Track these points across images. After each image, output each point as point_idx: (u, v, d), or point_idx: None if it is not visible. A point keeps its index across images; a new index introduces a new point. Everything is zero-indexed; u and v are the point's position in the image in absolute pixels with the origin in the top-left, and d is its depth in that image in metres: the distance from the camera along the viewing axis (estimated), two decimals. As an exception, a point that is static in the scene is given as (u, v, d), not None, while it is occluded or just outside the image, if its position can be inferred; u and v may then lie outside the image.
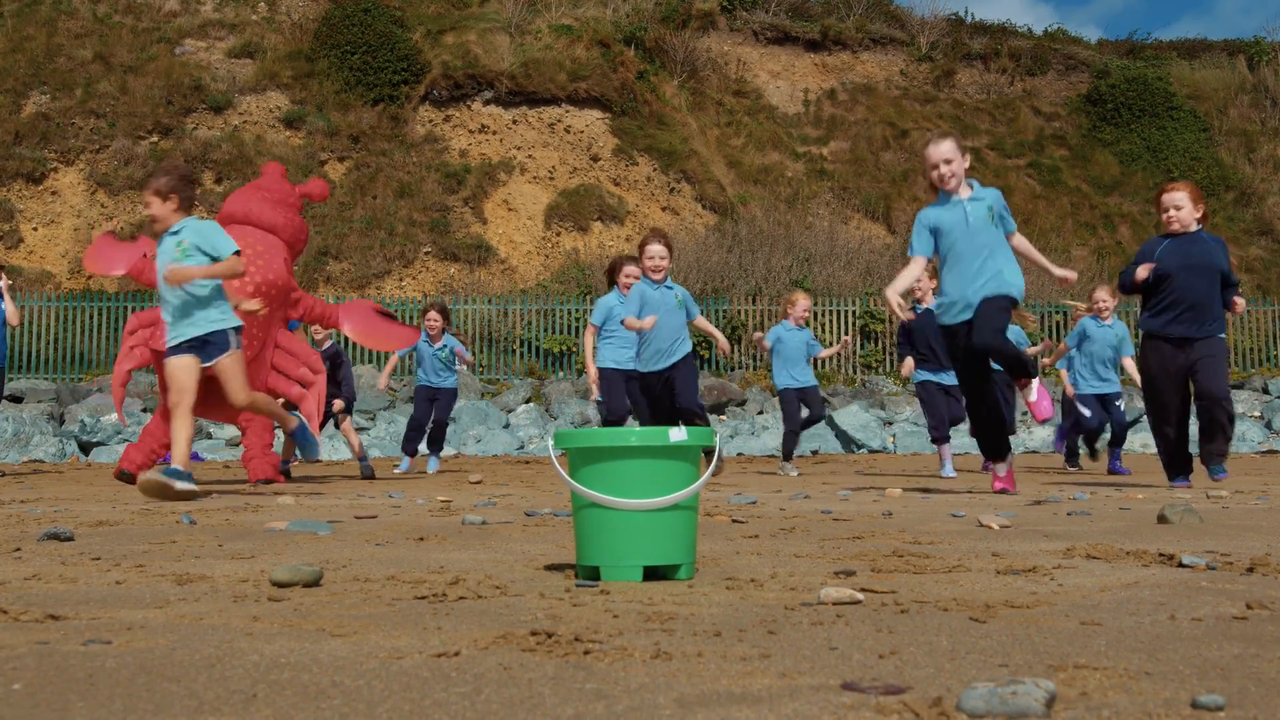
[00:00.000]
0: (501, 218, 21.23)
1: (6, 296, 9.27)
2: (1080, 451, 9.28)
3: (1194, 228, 6.24)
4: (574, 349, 17.87)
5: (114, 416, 13.31)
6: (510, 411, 15.38)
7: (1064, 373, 8.94)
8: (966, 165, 5.44)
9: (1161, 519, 3.60)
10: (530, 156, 22.02)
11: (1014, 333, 8.78)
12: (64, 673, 1.36)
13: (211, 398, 7.36)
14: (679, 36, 24.37)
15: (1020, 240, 5.58)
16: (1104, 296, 8.65)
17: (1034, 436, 14.76)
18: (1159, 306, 6.22)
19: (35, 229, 19.56)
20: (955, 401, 7.95)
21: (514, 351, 18.07)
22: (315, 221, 19.58)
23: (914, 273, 5.61)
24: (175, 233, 5.56)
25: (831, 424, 14.54)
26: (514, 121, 22.36)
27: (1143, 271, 6.19)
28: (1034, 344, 10.03)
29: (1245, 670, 1.39)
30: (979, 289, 5.32)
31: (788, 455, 8.74)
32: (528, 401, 15.81)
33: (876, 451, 14.30)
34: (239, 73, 21.87)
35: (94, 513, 4.34)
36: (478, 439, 13.96)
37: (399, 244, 19.88)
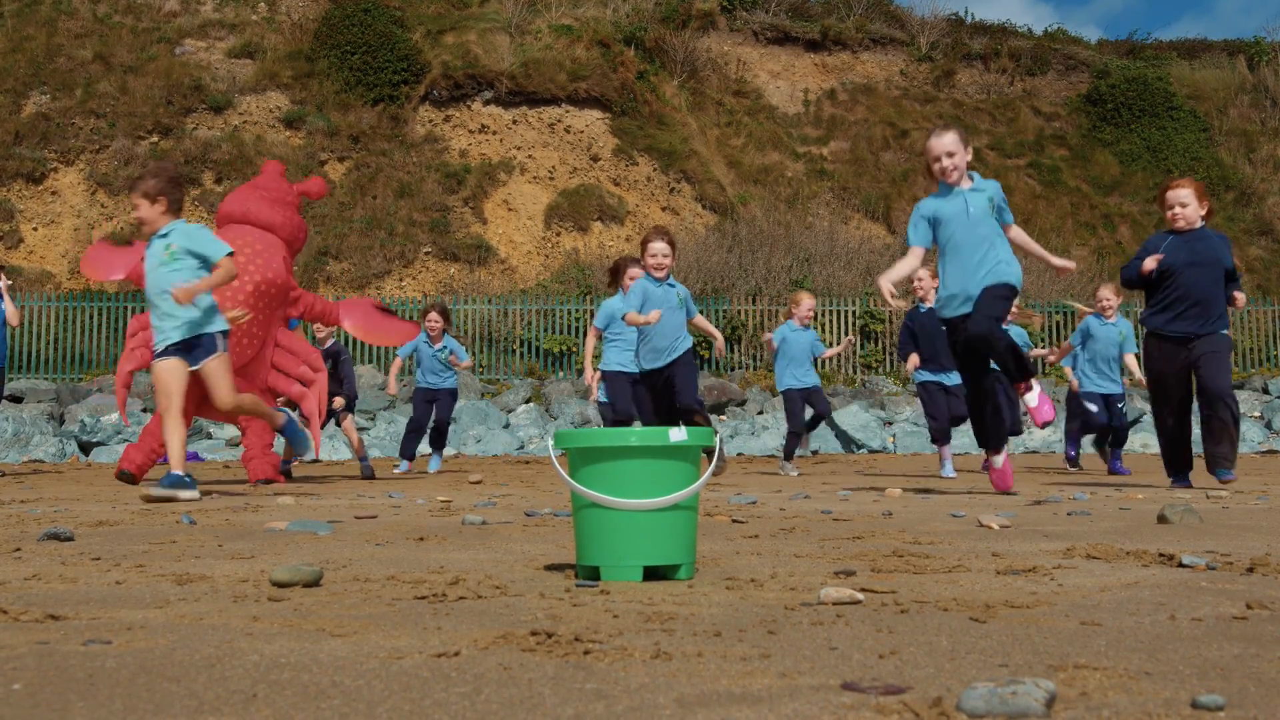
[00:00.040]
0: (501, 218, 21.24)
1: (6, 296, 9.27)
2: (1086, 452, 9.25)
3: (1199, 225, 6.22)
4: (574, 349, 17.87)
5: (114, 416, 13.31)
6: (510, 411, 15.38)
7: (1069, 370, 8.93)
8: (969, 158, 5.38)
9: (1161, 519, 3.60)
10: (530, 156, 22.02)
11: (1017, 334, 8.77)
12: (64, 673, 1.36)
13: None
14: (679, 36, 24.38)
15: (1018, 232, 5.53)
16: (1107, 295, 8.63)
17: (1034, 437, 14.76)
18: (1163, 303, 6.19)
19: (35, 229, 19.56)
20: (957, 400, 7.94)
21: (514, 351, 18.07)
22: (315, 221, 19.59)
23: (911, 264, 5.55)
24: (164, 235, 5.53)
25: (831, 424, 14.53)
26: (514, 121, 22.36)
27: (1150, 263, 6.15)
28: (1035, 345, 10.03)
29: (1245, 670, 1.39)
30: (980, 281, 5.26)
31: (789, 455, 8.75)
32: (528, 401, 15.81)
33: (876, 451, 14.29)
34: (239, 73, 21.87)
35: (94, 513, 4.34)
36: (478, 439, 13.96)
37: (399, 244, 19.88)
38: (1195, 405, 6.28)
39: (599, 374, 11.13)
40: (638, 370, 7.32)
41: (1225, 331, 6.17)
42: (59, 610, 1.86)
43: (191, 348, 5.48)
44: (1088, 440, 9.90)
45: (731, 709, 1.20)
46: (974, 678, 1.34)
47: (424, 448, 10.15)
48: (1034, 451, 14.55)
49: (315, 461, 11.76)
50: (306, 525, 3.47)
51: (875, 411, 15.56)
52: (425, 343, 9.39)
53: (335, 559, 2.68)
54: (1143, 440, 13.93)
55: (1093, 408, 8.52)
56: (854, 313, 18.24)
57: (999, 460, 5.52)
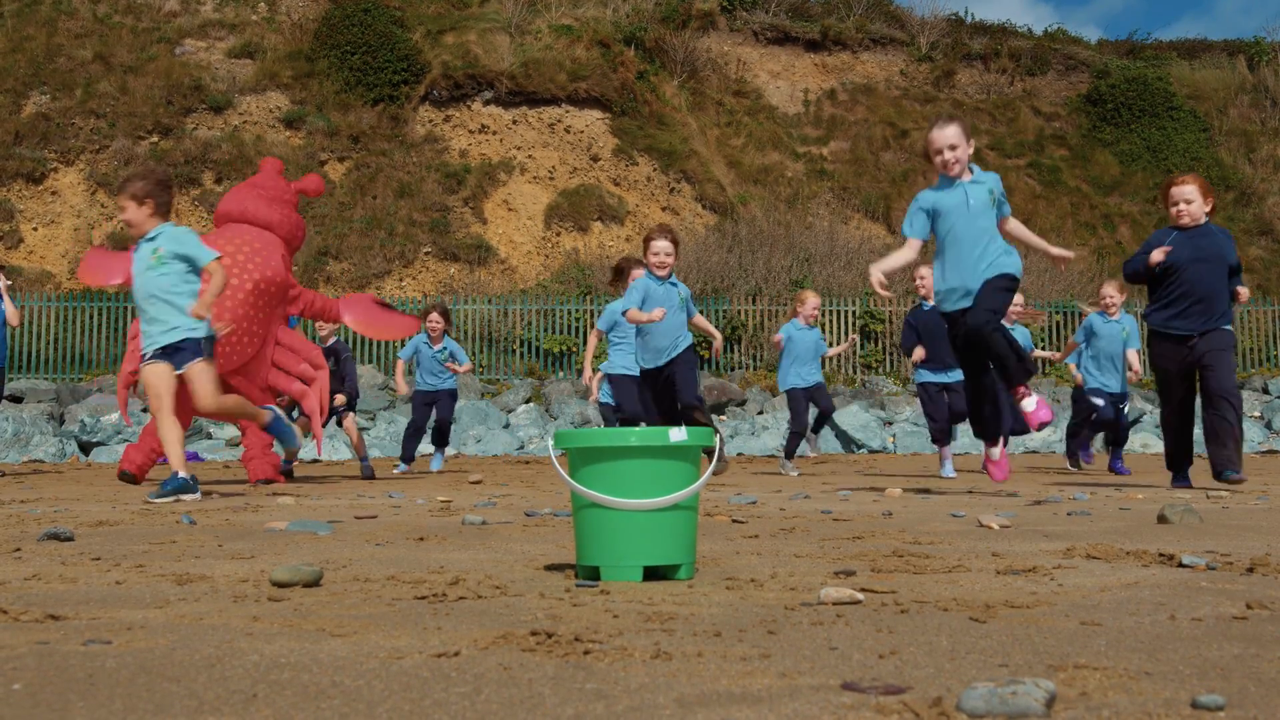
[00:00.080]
0: (501, 218, 21.24)
1: (6, 297, 9.28)
2: (1094, 451, 9.20)
3: (1203, 221, 6.17)
4: (574, 349, 17.87)
5: (114, 416, 13.31)
6: (510, 411, 15.38)
7: (1073, 366, 8.92)
8: (971, 151, 5.29)
9: (1161, 519, 3.60)
10: (530, 156, 22.02)
11: (1021, 334, 8.74)
12: (64, 673, 1.36)
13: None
14: (679, 36, 24.38)
15: (1015, 224, 5.46)
16: (1111, 292, 8.60)
17: (1034, 437, 14.76)
18: (1168, 299, 6.14)
19: (35, 229, 19.56)
20: (958, 397, 7.93)
21: (514, 351, 18.07)
22: (315, 221, 19.59)
23: (905, 256, 5.44)
24: (151, 239, 5.50)
25: (831, 424, 14.53)
26: (514, 121, 22.36)
27: (1159, 254, 6.06)
28: (1035, 345, 10.02)
29: (1245, 670, 1.39)
30: (980, 275, 5.18)
31: (789, 454, 8.76)
32: (528, 401, 15.81)
33: (876, 451, 14.29)
34: (239, 73, 21.87)
35: (94, 513, 4.34)
36: (478, 439, 13.97)
37: (399, 244, 19.89)
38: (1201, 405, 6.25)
39: (599, 374, 11.14)
40: (625, 370, 7.32)
41: (1229, 327, 6.12)
42: (59, 610, 1.86)
43: (176, 351, 5.45)
44: (1097, 440, 9.89)
45: (731, 709, 1.20)
46: (974, 678, 1.34)
47: (426, 447, 10.13)
48: (1034, 451, 14.54)
49: (315, 461, 11.76)
50: (306, 525, 3.47)
51: (875, 411, 15.57)
52: (425, 343, 9.39)
53: (335, 559, 2.68)
54: (1143, 440, 13.93)
55: (1099, 402, 8.51)
56: (854, 313, 18.24)
57: (996, 452, 5.50)
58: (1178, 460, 6.33)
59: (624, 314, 6.84)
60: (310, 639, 1.60)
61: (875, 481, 7.19)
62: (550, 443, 2.43)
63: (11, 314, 9.27)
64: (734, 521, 3.78)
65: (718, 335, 7.61)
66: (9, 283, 9.98)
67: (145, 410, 13.59)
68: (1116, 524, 3.60)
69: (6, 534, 3.34)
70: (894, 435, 14.82)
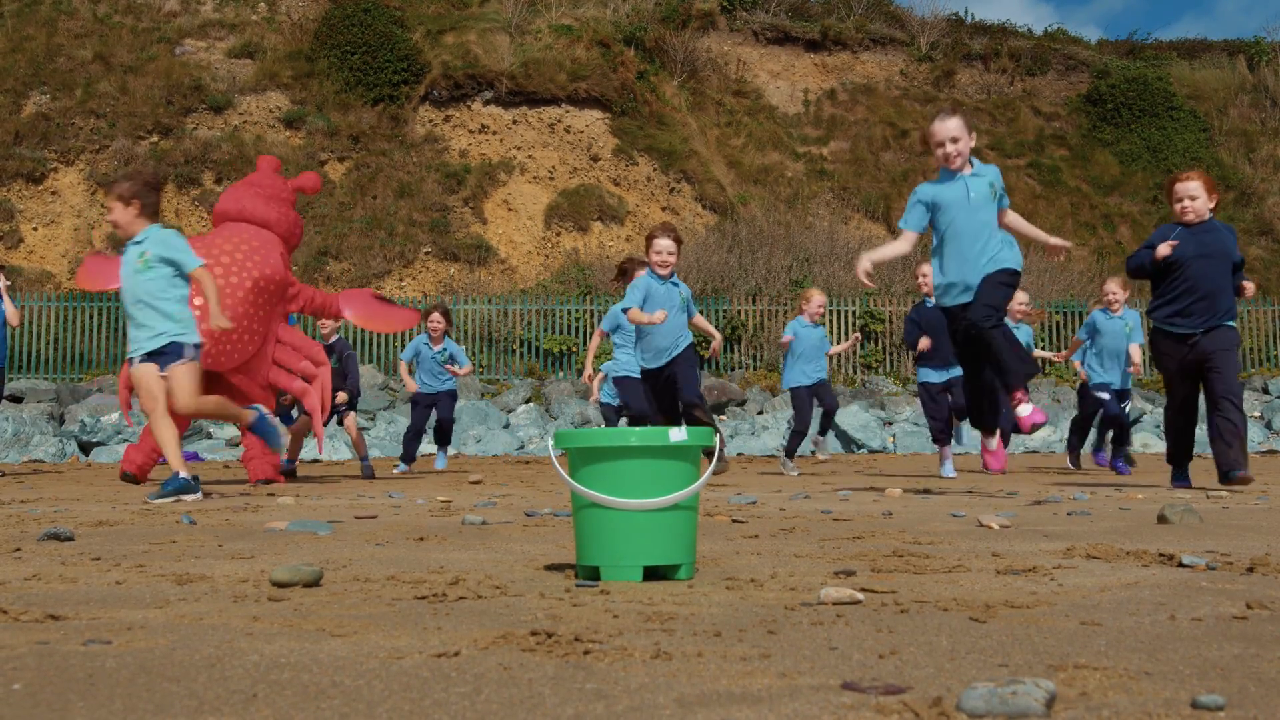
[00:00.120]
0: (501, 218, 21.24)
1: (6, 297, 9.28)
2: (1105, 451, 9.12)
3: (1208, 217, 6.11)
4: (574, 349, 17.88)
5: (114, 416, 13.31)
6: (510, 411, 15.39)
7: (1078, 364, 8.90)
8: (972, 143, 5.21)
9: (1161, 519, 3.60)
10: (530, 156, 22.03)
11: (1024, 334, 8.71)
12: (64, 673, 1.36)
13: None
14: (679, 36, 24.38)
15: (1013, 216, 5.39)
16: (1114, 289, 8.56)
17: (1034, 437, 14.76)
18: (1171, 295, 6.07)
19: (35, 229, 19.57)
20: (960, 392, 7.92)
21: (514, 351, 18.07)
22: (315, 221, 19.59)
23: (898, 248, 5.39)
24: (138, 243, 5.47)
25: (832, 424, 14.53)
26: (514, 121, 22.36)
27: (1165, 249, 5.99)
28: (1036, 345, 9.99)
29: (1245, 670, 1.39)
30: (981, 269, 5.11)
31: (790, 453, 8.77)
32: (528, 401, 15.81)
33: (876, 451, 14.29)
34: (239, 73, 21.88)
35: (94, 513, 4.34)
36: (478, 439, 13.97)
37: (399, 244, 19.89)
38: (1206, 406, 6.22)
39: (600, 375, 11.13)
40: (630, 371, 7.32)
41: (1233, 324, 6.06)
42: (59, 610, 1.86)
43: (161, 353, 5.43)
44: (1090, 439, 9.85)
45: (731, 709, 1.20)
46: (974, 678, 1.34)
47: (429, 447, 10.12)
48: (1034, 451, 14.54)
49: (315, 461, 11.76)
50: (306, 525, 3.47)
51: (875, 411, 15.57)
52: (425, 344, 9.38)
53: (335, 559, 2.68)
54: (1143, 440, 13.93)
55: (1105, 396, 8.48)
56: (854, 313, 18.24)
57: (993, 443, 5.48)
58: (1178, 458, 6.32)
59: (625, 313, 6.82)
60: (310, 639, 1.60)
61: (875, 481, 7.19)
62: (550, 443, 2.43)
63: (11, 314, 9.27)
64: (734, 521, 3.78)
65: (717, 336, 7.59)
66: (9, 283, 9.99)
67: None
68: (1116, 524, 3.60)
69: (6, 534, 3.34)
70: (894, 435, 14.82)
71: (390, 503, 5.02)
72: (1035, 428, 5.13)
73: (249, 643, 1.56)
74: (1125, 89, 25.22)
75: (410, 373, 9.67)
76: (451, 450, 13.16)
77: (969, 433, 9.62)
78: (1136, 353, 8.45)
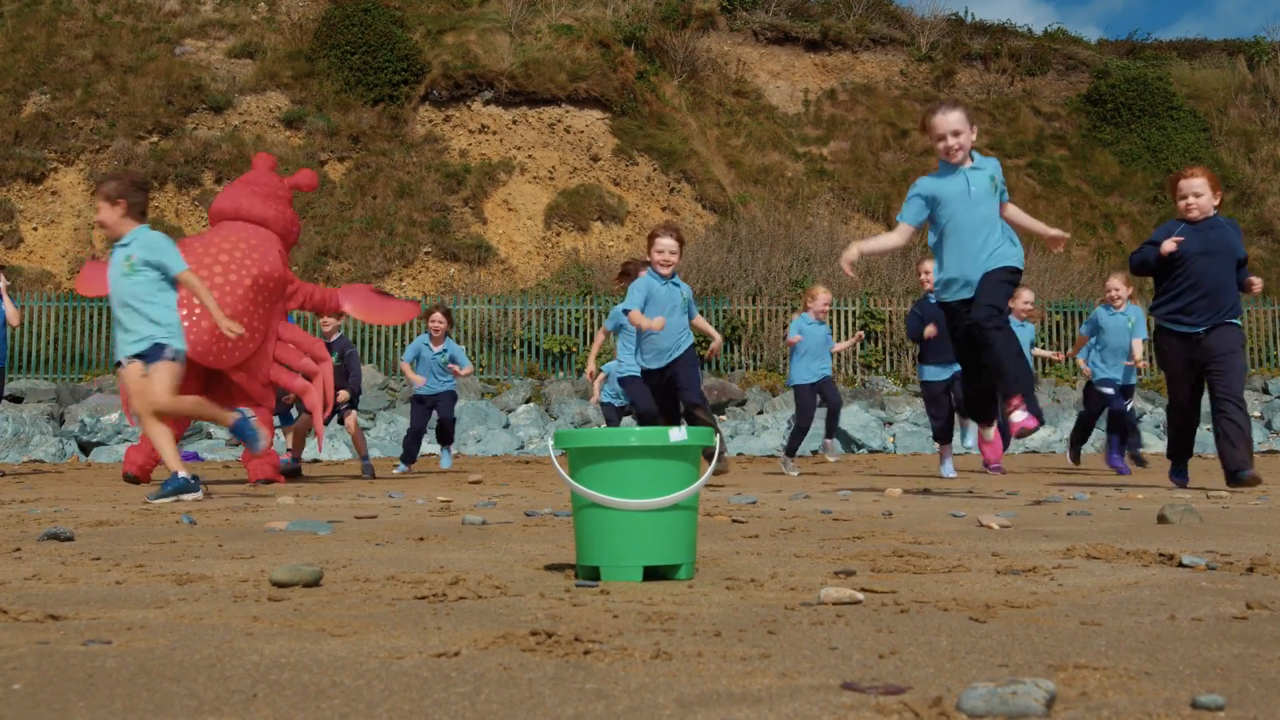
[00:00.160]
0: (501, 218, 21.24)
1: (6, 297, 9.28)
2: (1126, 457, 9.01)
3: (1212, 214, 6.05)
4: (574, 349, 17.87)
5: (114, 416, 13.31)
6: (510, 411, 15.39)
7: (1082, 361, 8.88)
8: (974, 137, 5.11)
9: (1161, 519, 3.60)
10: (530, 156, 22.03)
11: (1027, 333, 8.68)
12: (64, 673, 1.36)
13: (210, 396, 7.37)
14: (679, 36, 24.38)
15: (1013, 209, 5.30)
16: (1117, 285, 8.53)
17: (1034, 437, 14.76)
18: (1174, 291, 6.01)
19: (35, 229, 19.57)
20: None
21: (514, 351, 18.07)
22: (315, 221, 19.59)
23: (892, 240, 5.29)
24: (125, 245, 5.44)
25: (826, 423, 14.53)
26: (514, 121, 22.36)
27: (1170, 244, 5.92)
28: (1036, 344, 9.97)
29: (1245, 670, 1.39)
30: (981, 265, 5.02)
31: (791, 452, 8.78)
32: (528, 401, 15.81)
33: (876, 451, 14.29)
34: (239, 73, 21.88)
35: (94, 513, 4.34)
36: (478, 439, 13.97)
37: (399, 244, 19.89)
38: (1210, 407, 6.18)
39: (601, 375, 11.11)
40: (636, 371, 7.30)
41: (1238, 322, 6.00)
42: (59, 610, 1.86)
43: (145, 356, 5.39)
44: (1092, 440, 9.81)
45: (731, 709, 1.20)
46: (974, 678, 1.34)
47: (432, 448, 10.11)
48: (1034, 451, 14.54)
49: (315, 461, 11.75)
50: (306, 525, 3.47)
51: (875, 411, 15.57)
52: (426, 345, 9.38)
53: (335, 559, 2.68)
54: (1143, 440, 13.91)
55: (1109, 391, 8.46)
56: (854, 312, 18.24)
57: (989, 433, 5.44)
58: (1177, 455, 6.33)
59: (626, 314, 6.78)
60: (310, 639, 1.60)
61: (875, 481, 7.18)
62: (550, 443, 2.43)
63: (11, 314, 9.28)
64: (734, 521, 3.78)
65: (717, 337, 7.56)
66: (9, 283, 9.99)
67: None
68: (1116, 524, 3.60)
69: (6, 534, 3.34)
70: (894, 435, 14.82)
71: (390, 503, 5.02)
72: (1025, 434, 5.02)
73: (249, 643, 1.56)
74: (1125, 89, 25.22)
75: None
76: (454, 449, 13.17)
77: (972, 434, 9.61)
78: (1139, 347, 8.39)
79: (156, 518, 4.06)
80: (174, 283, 5.50)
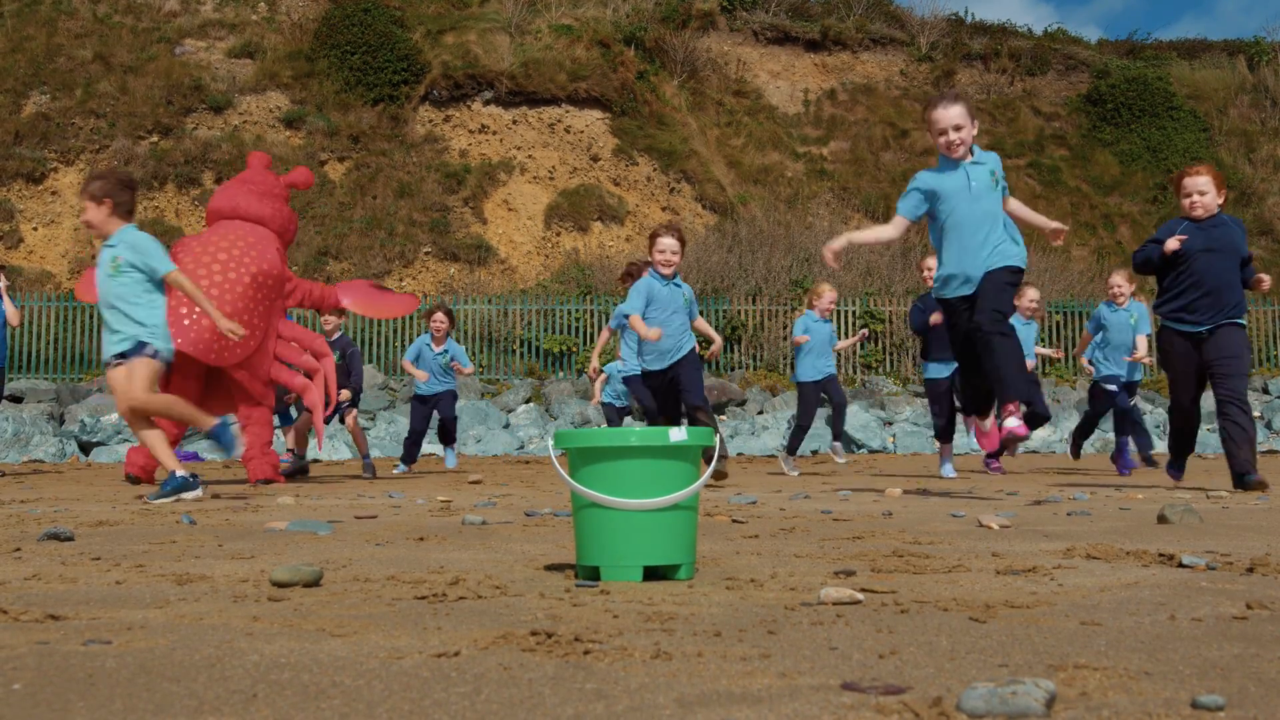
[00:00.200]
0: (501, 218, 21.24)
1: (6, 297, 9.28)
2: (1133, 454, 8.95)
3: (1216, 212, 5.98)
4: (574, 349, 17.87)
5: (114, 416, 13.31)
6: (510, 411, 15.39)
7: (1085, 360, 8.86)
8: (975, 131, 5.03)
9: (1161, 519, 3.60)
10: (530, 156, 22.03)
11: (1029, 333, 8.65)
12: (64, 673, 1.36)
13: (208, 396, 7.38)
14: (679, 36, 24.38)
15: (1014, 203, 5.21)
16: (1119, 281, 8.49)
17: (1034, 437, 14.76)
18: (1177, 290, 5.95)
19: (35, 229, 19.57)
20: None
21: (514, 351, 18.07)
22: (315, 221, 19.59)
23: (885, 232, 5.23)
24: (111, 246, 5.39)
25: (830, 423, 14.54)
26: (514, 121, 22.37)
27: (1173, 243, 5.85)
28: (1038, 342, 9.93)
29: (1245, 670, 1.39)
30: (982, 262, 4.93)
31: (792, 450, 8.78)
32: (528, 401, 15.81)
33: (876, 451, 14.29)
34: (239, 73, 21.88)
35: (94, 513, 4.34)
36: (478, 439, 13.97)
37: (399, 244, 19.89)
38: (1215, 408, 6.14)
39: (603, 376, 11.08)
40: (640, 370, 7.26)
41: (1242, 322, 5.94)
42: (59, 610, 1.86)
43: (127, 354, 5.35)
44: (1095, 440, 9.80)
45: (731, 709, 1.20)
46: (974, 678, 1.34)
47: (436, 449, 10.10)
48: (1034, 451, 14.54)
49: (315, 460, 11.75)
50: (306, 525, 3.47)
51: (875, 411, 15.57)
52: (427, 345, 9.36)
53: (335, 559, 2.68)
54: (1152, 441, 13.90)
55: (1112, 389, 8.44)
56: (854, 313, 18.24)
57: (986, 424, 5.38)
58: (1178, 450, 6.34)
59: (628, 319, 6.73)
60: (310, 639, 1.60)
61: (875, 481, 7.18)
62: (550, 443, 2.43)
63: (11, 314, 9.28)
64: (734, 521, 3.78)
65: (718, 340, 7.48)
66: (9, 283, 9.99)
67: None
68: (1116, 524, 3.60)
69: (6, 534, 3.34)
70: (894, 435, 14.82)
71: (390, 503, 5.02)
72: (1014, 439, 4.94)
73: (249, 643, 1.56)
74: (1125, 89, 25.22)
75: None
76: (456, 448, 13.16)
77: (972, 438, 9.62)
78: (1142, 343, 8.32)
79: (156, 518, 4.06)
80: (161, 284, 5.46)
